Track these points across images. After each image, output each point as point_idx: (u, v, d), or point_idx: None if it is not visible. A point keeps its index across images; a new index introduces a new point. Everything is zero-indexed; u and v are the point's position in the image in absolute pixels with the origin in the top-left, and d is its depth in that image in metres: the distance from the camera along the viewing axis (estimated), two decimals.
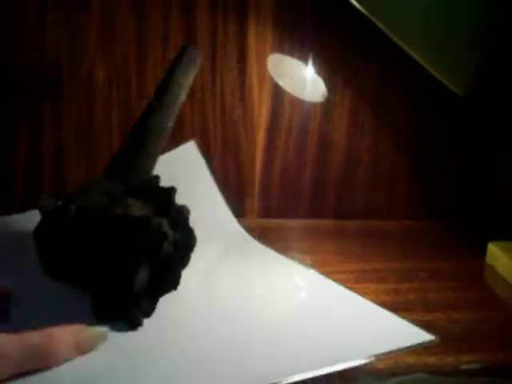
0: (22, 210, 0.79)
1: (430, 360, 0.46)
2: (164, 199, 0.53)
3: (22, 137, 0.80)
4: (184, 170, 0.58)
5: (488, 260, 0.73)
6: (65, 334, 0.39)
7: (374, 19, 0.68)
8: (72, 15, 0.78)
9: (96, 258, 0.49)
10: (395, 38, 0.67)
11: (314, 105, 0.87)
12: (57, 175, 0.80)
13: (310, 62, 0.85)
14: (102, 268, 0.49)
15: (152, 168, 0.61)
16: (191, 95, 0.82)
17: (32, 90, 0.79)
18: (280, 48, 0.84)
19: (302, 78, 0.86)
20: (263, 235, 0.78)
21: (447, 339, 0.51)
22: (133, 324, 0.48)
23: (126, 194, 0.54)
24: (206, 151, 0.84)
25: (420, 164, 0.89)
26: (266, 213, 0.87)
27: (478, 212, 0.89)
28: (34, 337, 0.37)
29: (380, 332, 0.51)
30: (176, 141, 0.83)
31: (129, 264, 0.48)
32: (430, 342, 0.49)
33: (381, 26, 0.67)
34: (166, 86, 0.65)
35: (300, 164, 0.87)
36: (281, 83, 0.85)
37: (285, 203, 0.88)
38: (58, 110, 0.80)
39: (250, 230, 0.78)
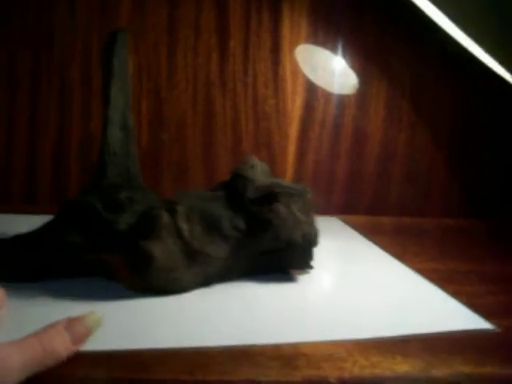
0: (48, 204, 0.77)
1: (487, 370, 0.43)
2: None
3: (50, 129, 0.77)
4: None
5: None
6: (60, 332, 0.39)
7: (445, 19, 0.64)
8: (102, 2, 0.75)
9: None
10: (468, 39, 0.63)
11: (348, 97, 0.84)
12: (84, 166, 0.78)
13: (345, 52, 0.82)
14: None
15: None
16: (222, 86, 0.80)
17: (62, 80, 0.77)
18: (314, 37, 0.81)
19: (334, 70, 0.83)
20: None
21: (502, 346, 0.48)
22: (310, 267, 0.58)
23: None
24: (237, 143, 0.82)
25: (459, 159, 0.86)
26: None
27: None
28: (32, 342, 0.37)
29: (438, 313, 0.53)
30: (208, 132, 0.81)
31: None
32: (488, 330, 0.49)
33: (452, 23, 0.64)
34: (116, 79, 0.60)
35: (333, 157, 0.85)
36: (312, 76, 0.82)
37: (317, 197, 0.85)
38: (87, 101, 0.78)
39: None
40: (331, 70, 0.83)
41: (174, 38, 0.78)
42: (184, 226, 0.52)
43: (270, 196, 0.56)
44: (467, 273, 0.64)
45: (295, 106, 0.82)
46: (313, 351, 0.44)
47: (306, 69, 0.82)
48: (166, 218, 0.51)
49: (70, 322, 0.40)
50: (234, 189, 0.57)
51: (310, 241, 0.57)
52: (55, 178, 0.78)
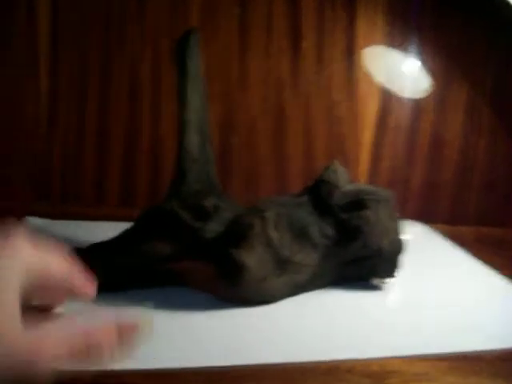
0: (117, 204, 0.76)
1: None
2: None
3: (119, 129, 0.76)
4: None
5: None
6: (109, 334, 0.35)
7: None
8: (173, 2, 0.73)
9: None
10: None
11: (425, 101, 0.80)
12: (154, 169, 0.76)
13: (424, 54, 0.79)
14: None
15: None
16: (295, 88, 0.77)
17: (131, 83, 0.75)
18: (391, 37, 0.78)
19: (411, 73, 0.80)
20: None
21: None
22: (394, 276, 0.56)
23: None
24: (308, 148, 0.79)
25: None
26: None
27: None
28: (79, 339, 0.34)
29: None
30: (279, 136, 0.78)
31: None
32: None
33: None
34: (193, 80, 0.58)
35: (409, 164, 0.81)
36: (388, 79, 0.79)
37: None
38: (157, 104, 0.76)
39: None
40: (408, 72, 0.80)
41: (245, 39, 0.76)
42: (274, 234, 0.50)
43: (358, 202, 0.54)
44: None
45: (369, 109, 0.79)
46: (403, 369, 0.41)
47: (382, 71, 0.78)
48: (258, 226, 0.49)
49: (120, 327, 0.36)
50: (319, 195, 0.55)
51: (398, 248, 0.54)
52: (124, 179, 0.77)
